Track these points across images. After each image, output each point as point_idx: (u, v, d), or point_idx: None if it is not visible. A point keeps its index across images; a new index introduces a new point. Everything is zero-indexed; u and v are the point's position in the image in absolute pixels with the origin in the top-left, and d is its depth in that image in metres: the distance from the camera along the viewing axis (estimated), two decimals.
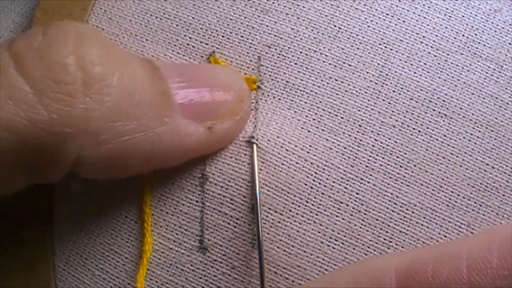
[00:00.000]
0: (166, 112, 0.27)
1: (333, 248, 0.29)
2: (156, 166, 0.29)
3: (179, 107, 0.28)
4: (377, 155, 0.30)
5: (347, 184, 0.30)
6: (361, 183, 0.30)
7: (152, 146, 0.27)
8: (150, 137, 0.26)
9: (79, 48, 0.25)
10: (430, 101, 0.30)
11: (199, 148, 0.29)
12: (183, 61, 0.31)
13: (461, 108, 0.30)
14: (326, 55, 0.31)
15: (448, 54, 0.31)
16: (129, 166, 0.27)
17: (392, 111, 0.30)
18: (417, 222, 0.29)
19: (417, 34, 0.31)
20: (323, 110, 0.30)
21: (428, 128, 0.30)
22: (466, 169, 0.30)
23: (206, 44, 0.32)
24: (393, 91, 0.30)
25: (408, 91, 0.30)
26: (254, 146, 0.30)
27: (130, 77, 0.26)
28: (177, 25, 0.32)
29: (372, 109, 0.30)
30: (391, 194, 0.30)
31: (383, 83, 0.31)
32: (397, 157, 0.30)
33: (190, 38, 0.32)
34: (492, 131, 0.30)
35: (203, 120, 0.28)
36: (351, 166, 0.30)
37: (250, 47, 0.31)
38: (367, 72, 0.31)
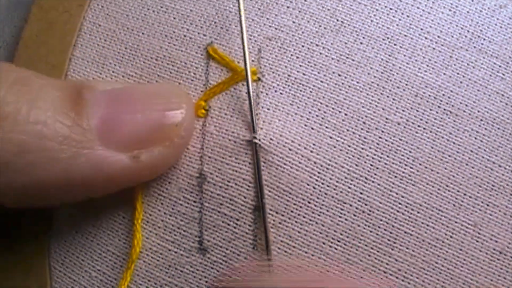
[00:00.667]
0: (82, 144, 0.27)
1: (335, 249, 0.29)
2: (83, 197, 0.29)
3: (101, 137, 0.27)
4: (381, 153, 0.29)
5: (351, 183, 0.29)
6: (366, 182, 0.29)
7: (68, 178, 0.27)
8: (64, 168, 0.27)
9: None
10: (435, 98, 0.30)
11: (126, 178, 0.29)
12: (176, 53, 0.31)
13: (466, 105, 0.30)
14: (328, 49, 0.31)
15: (453, 50, 0.31)
16: (50, 196, 0.28)
17: (397, 108, 0.30)
18: (422, 223, 0.29)
19: (422, 29, 0.31)
20: (327, 106, 0.30)
21: (433, 125, 0.30)
22: (473, 167, 0.29)
23: (204, 35, 0.31)
24: (398, 87, 0.30)
25: (413, 87, 0.30)
26: (255, 144, 0.30)
27: (38, 111, 0.26)
28: (174, 18, 0.32)
29: (376, 106, 0.30)
30: (396, 193, 0.29)
31: (387, 79, 0.30)
32: (402, 155, 0.29)
33: (187, 30, 0.31)
34: (498, 128, 0.30)
35: (128, 149, 0.28)
36: (356, 165, 0.29)
37: (250, 38, 0.31)
38: (371, 68, 0.30)
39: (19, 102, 0.26)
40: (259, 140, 0.30)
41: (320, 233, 0.29)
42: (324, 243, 0.29)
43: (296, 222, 0.29)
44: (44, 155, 0.26)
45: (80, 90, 0.28)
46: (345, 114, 0.30)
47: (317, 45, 0.31)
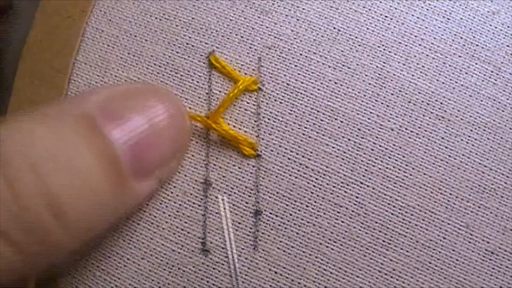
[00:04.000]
0: (122, 184, 0.26)
1: (332, 249, 0.30)
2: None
3: (130, 167, 0.26)
4: (376, 158, 0.30)
5: (347, 188, 0.30)
6: (361, 186, 0.30)
7: (115, 218, 0.27)
8: (112, 213, 0.27)
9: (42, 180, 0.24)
10: (428, 103, 0.30)
11: (151, 196, 0.30)
12: (179, 61, 0.31)
13: (459, 110, 0.30)
14: (325, 57, 0.31)
15: (446, 57, 0.31)
16: (97, 233, 0.27)
17: (391, 114, 0.30)
18: (416, 224, 0.29)
19: (416, 36, 0.31)
20: (323, 114, 0.30)
21: (426, 130, 0.30)
22: (464, 171, 0.30)
23: (206, 43, 0.32)
24: (392, 94, 0.30)
25: (406, 93, 0.30)
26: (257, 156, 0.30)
27: (74, 159, 0.25)
28: (176, 25, 0.32)
29: (370, 112, 0.30)
30: (390, 197, 0.30)
31: (382, 86, 0.31)
32: (396, 160, 0.30)
33: (189, 37, 0.32)
34: (490, 133, 0.30)
35: (152, 169, 0.28)
36: (351, 170, 0.30)
37: (250, 47, 0.31)
38: (366, 75, 0.31)
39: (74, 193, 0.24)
40: (261, 151, 0.30)
41: (318, 234, 0.30)
42: (321, 244, 0.30)
43: (294, 224, 0.30)
44: (99, 210, 0.25)
45: (93, 121, 0.26)
46: (341, 121, 0.30)
47: (314, 53, 0.31)
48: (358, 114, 0.30)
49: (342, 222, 0.30)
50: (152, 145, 0.27)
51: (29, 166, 0.23)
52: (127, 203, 0.27)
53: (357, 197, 0.30)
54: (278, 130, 0.30)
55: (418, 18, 0.31)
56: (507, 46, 0.31)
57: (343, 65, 0.31)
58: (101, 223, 0.26)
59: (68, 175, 0.24)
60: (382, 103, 0.30)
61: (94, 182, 0.25)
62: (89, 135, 0.25)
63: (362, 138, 0.30)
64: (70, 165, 0.24)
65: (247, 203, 0.30)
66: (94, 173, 0.25)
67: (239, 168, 0.30)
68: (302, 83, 0.31)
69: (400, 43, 0.31)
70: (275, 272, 0.29)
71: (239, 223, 0.30)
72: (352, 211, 0.30)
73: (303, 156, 0.30)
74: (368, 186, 0.30)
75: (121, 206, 0.27)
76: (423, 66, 0.31)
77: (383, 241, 0.29)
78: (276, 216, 0.30)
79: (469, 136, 0.30)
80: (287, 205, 0.30)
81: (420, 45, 0.31)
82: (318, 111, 0.30)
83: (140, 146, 0.26)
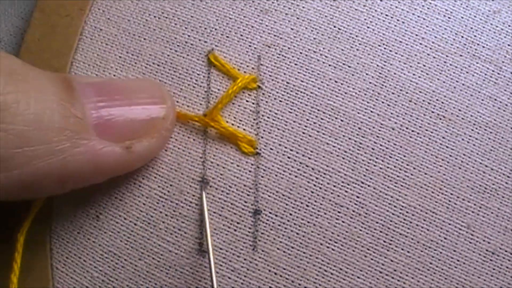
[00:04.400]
0: (80, 134, 0.27)
1: (332, 249, 0.29)
2: (72, 187, 0.28)
3: (95, 127, 0.27)
4: (377, 158, 0.30)
5: (347, 187, 0.30)
6: (362, 186, 0.30)
7: (65, 169, 0.26)
8: (63, 160, 0.26)
9: None
10: (429, 103, 0.30)
11: (117, 168, 0.29)
12: (178, 59, 0.31)
13: (460, 110, 0.30)
14: (326, 56, 0.31)
15: (447, 56, 0.31)
16: (44, 187, 0.27)
17: (391, 113, 0.30)
18: (417, 225, 0.29)
19: (417, 35, 0.31)
20: (324, 112, 0.30)
21: (427, 130, 0.30)
22: (465, 171, 0.30)
23: (205, 42, 0.32)
24: (392, 93, 0.30)
25: (407, 92, 0.30)
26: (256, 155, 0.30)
27: (37, 102, 0.26)
28: (175, 24, 0.32)
29: (371, 111, 0.30)
30: (391, 196, 0.30)
31: (382, 85, 0.31)
32: (397, 159, 0.30)
33: (188, 36, 0.32)
34: (491, 132, 0.30)
35: (120, 139, 0.28)
36: (352, 169, 0.30)
37: (249, 46, 0.31)
38: (367, 74, 0.31)
39: (18, 92, 0.25)
40: (260, 150, 0.30)
41: (318, 234, 0.29)
42: (321, 244, 0.29)
43: (294, 224, 0.30)
44: (44, 147, 0.26)
45: (69, 81, 0.28)
46: (341, 120, 0.30)
47: (314, 52, 0.31)
48: (358, 113, 0.30)
49: (343, 222, 0.29)
50: (120, 113, 0.28)
51: None
52: (84, 153, 0.27)
53: (357, 197, 0.30)
54: (278, 129, 0.30)
55: (419, 17, 0.31)
56: (508, 45, 0.31)
57: (344, 64, 0.31)
58: (49, 167, 0.26)
59: (23, 114, 0.25)
60: (383, 102, 0.30)
61: (48, 102, 0.26)
62: (57, 88, 0.27)
63: (363, 137, 0.30)
64: (27, 106, 0.25)
65: (245, 202, 0.30)
66: (50, 98, 0.26)
67: (238, 166, 0.30)
68: (302, 81, 0.31)
69: (401, 42, 0.31)
70: (275, 273, 0.29)
71: (238, 222, 0.30)
72: (353, 211, 0.29)
73: (303, 155, 0.30)
74: (369, 185, 0.30)
75: (74, 149, 0.27)
76: (424, 65, 0.31)
77: (384, 241, 0.29)
78: (276, 215, 0.30)
79: (470, 136, 0.30)
80: (287, 204, 0.30)
81: (421, 44, 0.31)
82: (318, 110, 0.30)
83: (106, 107, 0.28)
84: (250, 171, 0.30)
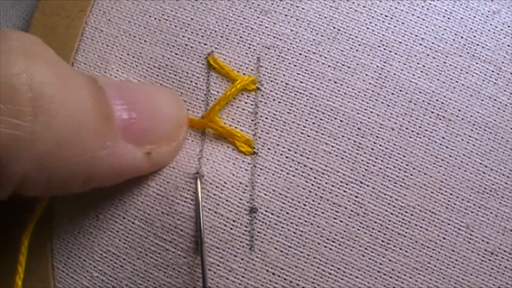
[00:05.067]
0: (108, 135, 0.27)
1: (330, 249, 0.29)
2: (92, 186, 0.28)
3: (121, 130, 0.27)
4: (376, 158, 0.30)
5: (346, 187, 0.30)
6: (360, 186, 0.30)
7: (92, 169, 0.26)
8: (90, 160, 0.26)
9: (28, 67, 0.24)
10: (428, 103, 0.30)
11: (136, 172, 0.29)
12: (178, 62, 0.31)
13: (459, 110, 0.30)
14: (325, 57, 0.31)
15: (446, 56, 0.31)
16: (69, 186, 0.27)
17: (391, 114, 0.30)
18: (416, 225, 0.29)
19: (416, 36, 0.31)
20: (322, 113, 0.30)
21: (426, 130, 0.30)
22: (465, 171, 0.30)
23: (205, 44, 0.32)
24: (392, 93, 0.30)
25: (406, 93, 0.30)
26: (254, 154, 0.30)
27: (75, 98, 0.25)
28: (175, 26, 0.32)
29: (371, 112, 0.30)
30: (390, 197, 0.30)
31: (382, 85, 0.31)
32: (396, 160, 0.30)
33: (188, 38, 0.32)
34: (490, 133, 0.30)
35: (142, 144, 0.28)
36: (351, 169, 0.30)
37: (249, 47, 0.31)
38: (366, 74, 0.31)
39: (61, 86, 0.25)
40: (257, 149, 0.30)
41: (316, 233, 0.29)
42: (319, 243, 0.29)
43: (291, 223, 0.29)
44: (79, 146, 0.25)
45: (97, 81, 0.27)
46: (341, 121, 0.30)
47: (314, 53, 0.31)
48: (358, 113, 0.30)
49: (341, 221, 0.29)
50: (146, 117, 0.28)
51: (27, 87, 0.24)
52: (109, 155, 0.27)
53: (356, 197, 0.30)
54: (276, 129, 0.30)
55: (418, 17, 0.31)
56: (508, 45, 0.31)
57: (343, 65, 0.31)
58: (81, 166, 0.26)
59: (64, 111, 0.24)
60: (382, 103, 0.30)
61: (84, 99, 0.26)
62: (91, 88, 0.26)
63: (362, 137, 0.30)
64: (68, 103, 0.25)
65: (241, 199, 0.30)
66: (85, 95, 0.26)
67: (234, 164, 0.30)
68: (301, 82, 0.31)
69: (400, 42, 0.31)
70: (273, 274, 0.29)
71: (234, 220, 0.30)
72: (351, 210, 0.29)
73: (301, 155, 0.30)
74: (368, 185, 0.30)
75: (102, 150, 0.26)
76: (424, 66, 0.31)
77: (383, 241, 0.29)
78: (273, 214, 0.30)
79: (470, 136, 0.30)
80: (283, 203, 0.30)
81: (420, 44, 0.31)
82: (317, 111, 0.30)
83: (132, 110, 0.28)
84: (246, 170, 0.30)
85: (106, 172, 0.27)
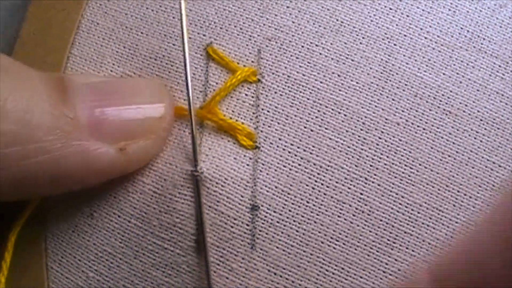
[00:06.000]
0: (71, 135, 0.27)
1: (334, 248, 0.29)
2: (67, 188, 0.29)
3: (88, 128, 0.27)
4: (381, 153, 0.30)
5: (350, 184, 0.29)
6: (365, 183, 0.29)
7: (57, 169, 0.27)
8: (53, 160, 0.26)
9: None
10: (434, 98, 0.30)
11: (111, 170, 0.29)
12: (175, 53, 0.31)
13: (466, 105, 0.30)
14: (328, 50, 0.31)
15: (452, 50, 0.31)
16: (36, 188, 0.27)
17: (396, 108, 0.30)
18: (422, 223, 0.29)
19: (421, 29, 0.31)
20: (326, 107, 0.30)
21: (433, 125, 0.30)
22: (472, 167, 0.29)
23: (204, 35, 0.31)
24: (397, 88, 0.30)
25: (412, 87, 0.30)
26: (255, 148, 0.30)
27: (26, 100, 0.26)
28: (173, 17, 0.32)
29: (376, 106, 0.30)
30: (396, 194, 0.29)
31: (387, 79, 0.30)
32: (402, 155, 0.29)
33: (187, 29, 0.31)
34: (498, 128, 0.30)
35: (115, 140, 0.28)
36: (355, 165, 0.29)
37: (249, 39, 0.31)
38: (371, 68, 0.30)
39: (7, 90, 0.25)
40: (259, 143, 0.30)
41: (319, 232, 0.29)
42: (323, 242, 0.29)
43: (294, 221, 0.29)
44: (34, 146, 0.26)
45: (63, 81, 0.28)
46: (345, 115, 0.30)
47: (316, 45, 0.31)
48: (362, 107, 0.30)
49: (345, 219, 0.29)
50: (114, 113, 0.29)
51: None
52: (76, 154, 0.27)
53: (361, 194, 0.29)
54: (279, 123, 0.30)
55: (423, 10, 0.31)
56: None
57: (347, 58, 0.31)
58: (41, 170, 0.26)
59: (14, 112, 0.25)
60: (387, 97, 0.30)
61: (38, 100, 0.26)
62: (48, 89, 0.27)
63: (367, 132, 0.30)
64: (19, 105, 0.25)
65: (242, 196, 0.29)
66: (39, 96, 0.27)
67: (235, 159, 0.30)
68: (304, 75, 0.30)
69: (405, 35, 0.31)
70: (275, 273, 0.29)
71: (235, 218, 0.29)
72: (356, 208, 0.29)
73: (304, 150, 0.30)
74: (373, 182, 0.29)
75: (66, 149, 0.27)
76: (429, 60, 0.30)
77: (388, 239, 0.29)
78: (275, 212, 0.29)
79: (477, 132, 0.30)
80: (286, 200, 0.29)
81: (425, 38, 0.31)
82: (320, 104, 0.30)
83: (99, 108, 0.28)
84: (248, 165, 0.30)
85: (74, 171, 0.27)
